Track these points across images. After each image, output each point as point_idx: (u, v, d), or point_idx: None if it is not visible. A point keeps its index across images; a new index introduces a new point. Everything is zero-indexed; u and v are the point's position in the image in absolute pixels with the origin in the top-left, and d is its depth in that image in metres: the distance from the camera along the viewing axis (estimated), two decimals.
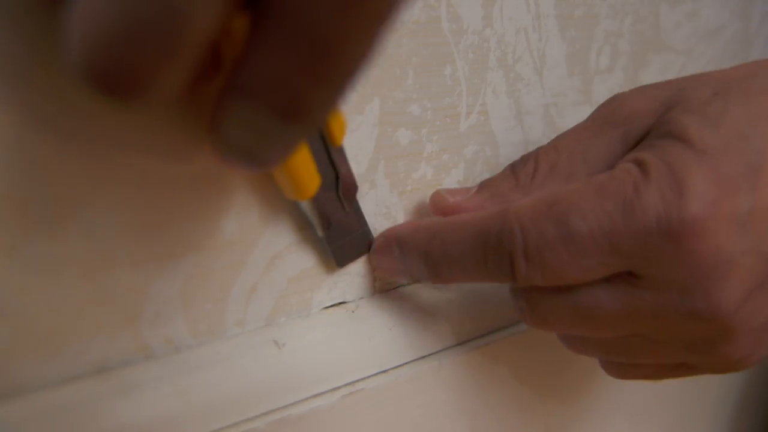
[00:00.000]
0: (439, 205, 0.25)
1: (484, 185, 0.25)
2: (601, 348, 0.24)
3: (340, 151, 0.22)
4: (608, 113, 0.24)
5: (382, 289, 0.26)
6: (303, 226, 0.23)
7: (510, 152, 0.29)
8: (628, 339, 0.23)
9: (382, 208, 0.25)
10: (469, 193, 0.25)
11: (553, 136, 0.31)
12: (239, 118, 0.14)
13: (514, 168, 0.25)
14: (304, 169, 0.20)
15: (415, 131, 0.25)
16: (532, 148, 0.30)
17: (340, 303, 0.25)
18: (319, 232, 0.23)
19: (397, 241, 0.24)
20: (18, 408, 0.18)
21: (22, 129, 0.17)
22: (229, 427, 0.22)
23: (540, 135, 0.30)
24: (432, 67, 0.25)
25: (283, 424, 0.23)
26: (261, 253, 0.22)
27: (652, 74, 0.34)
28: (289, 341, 0.23)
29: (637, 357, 0.24)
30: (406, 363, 0.26)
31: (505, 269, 0.21)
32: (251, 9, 0.14)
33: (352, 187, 0.23)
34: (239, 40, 0.14)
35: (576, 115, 0.31)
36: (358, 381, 0.25)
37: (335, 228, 0.23)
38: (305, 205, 0.22)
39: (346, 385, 0.25)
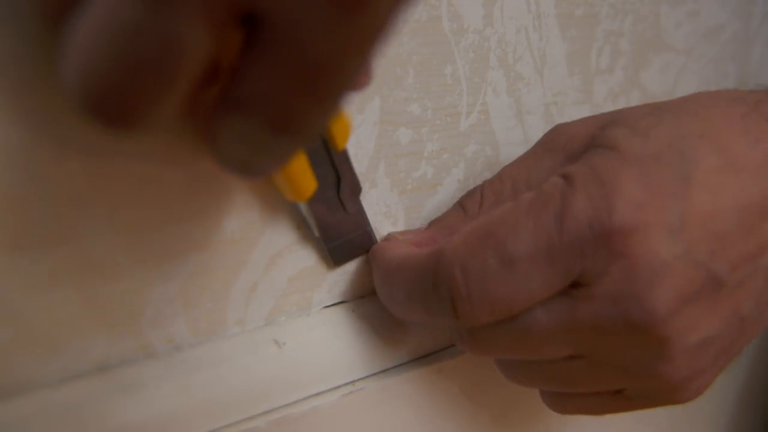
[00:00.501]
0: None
1: (432, 222, 0.25)
2: (540, 375, 0.24)
3: (344, 154, 0.23)
4: (549, 141, 0.24)
5: None
6: (302, 225, 0.23)
7: (510, 152, 0.29)
8: (567, 363, 0.22)
9: (383, 207, 0.25)
10: (419, 232, 0.25)
11: None
12: (233, 131, 0.15)
13: (461, 203, 0.25)
14: (300, 173, 0.21)
15: (416, 130, 0.25)
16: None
17: (341, 302, 0.25)
18: (316, 232, 0.23)
19: (372, 264, 0.25)
20: (20, 406, 0.18)
21: (24, 132, 0.17)
22: (230, 426, 0.22)
23: (540, 134, 0.30)
24: (432, 66, 0.25)
25: (283, 423, 0.23)
26: (261, 253, 0.22)
27: (653, 74, 0.34)
28: (289, 340, 0.23)
29: (576, 384, 0.23)
30: (406, 362, 0.26)
31: (447, 312, 0.21)
32: (246, 25, 0.14)
33: (355, 189, 0.23)
34: (236, 50, 0.14)
35: (577, 114, 0.31)
36: (358, 380, 0.25)
37: (333, 228, 0.23)
38: (303, 206, 0.23)
39: (346, 384, 0.25)
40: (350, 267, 0.25)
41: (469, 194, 0.25)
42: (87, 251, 0.19)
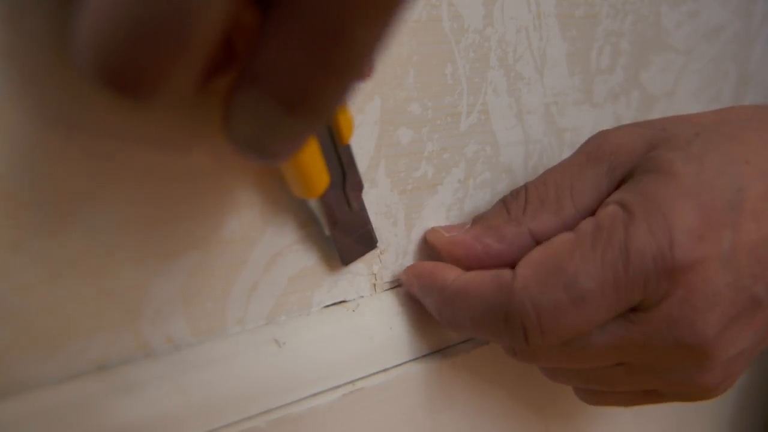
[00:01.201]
0: (436, 242, 0.26)
1: (477, 219, 0.26)
2: (581, 378, 0.25)
3: (347, 149, 0.22)
4: (593, 149, 0.24)
5: (382, 288, 0.26)
6: (304, 224, 0.23)
7: (511, 151, 0.29)
8: (609, 369, 0.24)
9: (383, 206, 0.25)
10: (463, 228, 0.26)
11: (553, 136, 0.31)
12: (245, 108, 0.15)
13: (505, 202, 0.25)
14: (313, 167, 0.21)
15: (416, 130, 0.25)
16: (532, 147, 0.30)
17: (341, 302, 0.25)
18: (326, 231, 0.23)
19: (416, 284, 0.25)
20: (19, 406, 0.18)
21: (28, 124, 0.17)
22: (230, 426, 0.22)
23: (540, 134, 0.30)
24: (433, 66, 0.25)
25: (283, 423, 0.23)
26: (262, 252, 0.22)
27: (653, 74, 0.34)
28: (289, 340, 0.23)
29: (614, 385, 0.24)
30: (406, 362, 0.26)
31: (519, 340, 0.22)
32: (262, 1, 0.14)
33: (358, 186, 0.23)
34: (251, 32, 0.14)
35: (577, 114, 0.31)
36: (358, 380, 0.25)
37: (341, 226, 0.23)
38: (313, 204, 0.22)
39: (346, 383, 0.25)
40: (351, 267, 0.25)
41: (513, 195, 0.25)
42: (87, 250, 0.19)
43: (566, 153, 0.32)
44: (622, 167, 0.23)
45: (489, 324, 0.22)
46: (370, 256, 0.26)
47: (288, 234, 0.23)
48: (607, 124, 0.33)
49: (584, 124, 0.32)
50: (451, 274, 0.24)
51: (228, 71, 0.16)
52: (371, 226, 0.25)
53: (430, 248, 0.27)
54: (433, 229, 0.26)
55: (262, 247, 0.22)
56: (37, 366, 0.19)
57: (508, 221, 0.24)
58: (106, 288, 0.19)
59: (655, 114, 0.36)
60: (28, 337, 0.18)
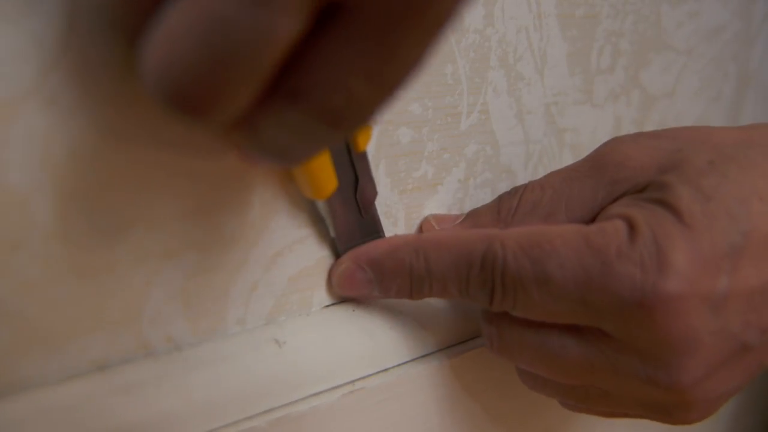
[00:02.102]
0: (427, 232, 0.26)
1: (468, 215, 0.26)
2: (559, 391, 0.24)
3: (363, 156, 0.23)
4: (599, 159, 0.24)
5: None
6: (304, 224, 0.23)
7: (511, 151, 0.29)
8: (586, 388, 0.23)
9: (383, 206, 0.25)
10: (455, 221, 0.26)
11: (553, 136, 0.31)
12: (281, 119, 0.15)
13: (500, 200, 0.25)
14: (322, 170, 0.21)
15: (416, 130, 0.25)
16: (532, 147, 0.30)
17: (341, 302, 0.25)
18: (332, 232, 0.23)
19: (370, 263, 0.23)
20: (19, 406, 0.18)
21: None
22: (230, 426, 0.22)
23: (541, 134, 0.30)
24: (433, 65, 0.25)
25: (283, 423, 0.23)
26: (262, 252, 0.22)
27: (653, 74, 0.34)
28: (289, 340, 0.23)
29: (592, 405, 0.24)
30: (406, 362, 0.26)
31: (486, 293, 0.22)
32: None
33: (371, 194, 0.23)
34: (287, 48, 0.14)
35: (577, 114, 0.31)
36: (358, 380, 0.25)
37: (349, 230, 0.23)
38: (321, 205, 0.23)
39: (346, 383, 0.25)
40: None
41: (510, 195, 0.25)
42: (86, 250, 0.19)
43: (566, 153, 0.32)
44: (625, 182, 0.22)
45: (461, 271, 0.22)
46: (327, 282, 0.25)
47: (288, 234, 0.23)
48: (608, 124, 0.33)
49: (584, 124, 0.32)
50: (411, 234, 0.24)
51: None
52: (383, 233, 0.25)
53: None
54: (426, 219, 0.26)
55: (262, 247, 0.22)
56: (38, 366, 0.19)
57: (495, 221, 0.24)
58: (107, 288, 0.19)
59: (655, 114, 0.36)
60: (29, 336, 0.18)
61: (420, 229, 0.27)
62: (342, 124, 0.15)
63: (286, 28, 0.13)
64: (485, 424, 0.30)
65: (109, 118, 0.18)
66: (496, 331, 0.23)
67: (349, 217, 0.23)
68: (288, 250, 0.23)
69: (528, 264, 0.20)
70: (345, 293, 0.25)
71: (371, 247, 0.24)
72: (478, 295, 0.22)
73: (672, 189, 0.21)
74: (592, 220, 0.23)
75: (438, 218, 0.26)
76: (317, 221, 0.23)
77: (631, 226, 0.20)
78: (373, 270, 0.23)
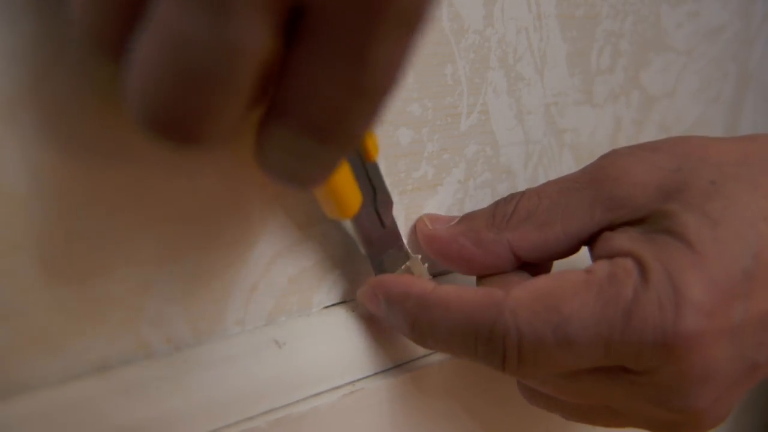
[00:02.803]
0: (418, 232, 0.26)
1: (463, 218, 0.25)
2: (564, 409, 0.24)
3: (375, 167, 0.23)
4: (599, 169, 0.23)
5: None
6: (304, 225, 0.23)
7: (511, 152, 0.29)
8: (594, 408, 0.23)
9: None
10: (449, 222, 0.25)
11: (553, 136, 0.31)
12: (277, 140, 0.15)
13: (496, 205, 0.25)
14: (346, 187, 0.20)
15: (416, 130, 0.25)
16: (532, 147, 0.30)
17: (341, 302, 0.25)
18: (362, 250, 0.23)
19: (384, 296, 0.23)
20: (19, 407, 0.18)
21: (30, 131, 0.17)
22: (230, 426, 0.22)
23: (541, 135, 0.30)
24: (433, 66, 0.25)
25: (283, 423, 0.23)
26: (261, 252, 0.22)
27: (653, 74, 0.34)
28: (289, 340, 0.23)
29: (597, 421, 0.24)
30: (406, 362, 0.26)
31: (496, 362, 0.21)
32: (286, 30, 0.14)
33: (389, 203, 0.23)
34: (276, 65, 0.14)
35: (577, 114, 0.31)
36: (358, 380, 0.25)
37: (376, 244, 0.23)
38: (348, 224, 0.22)
39: (346, 384, 0.25)
40: (350, 268, 0.25)
41: (506, 201, 0.25)
42: (87, 252, 0.19)
43: (566, 153, 0.32)
44: (622, 200, 0.22)
45: (468, 339, 0.21)
46: (358, 292, 0.25)
47: (288, 235, 0.23)
48: (608, 125, 0.33)
49: (584, 124, 0.32)
50: (429, 284, 0.23)
51: (258, 104, 0.16)
52: (403, 241, 0.25)
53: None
54: (421, 218, 0.26)
55: (262, 247, 0.22)
56: (38, 366, 0.19)
57: (490, 227, 0.24)
58: (107, 289, 0.19)
59: (655, 114, 0.36)
60: (29, 337, 0.18)
61: (414, 228, 0.26)
62: (333, 138, 0.14)
63: (253, 41, 0.12)
64: (486, 424, 0.30)
65: (109, 118, 0.18)
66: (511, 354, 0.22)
67: (373, 231, 0.23)
68: (288, 251, 0.23)
69: (548, 331, 0.20)
70: (366, 309, 0.25)
71: (388, 280, 0.23)
72: (489, 363, 0.21)
73: (677, 217, 0.21)
74: (589, 237, 0.23)
75: (432, 218, 0.26)
76: (344, 240, 0.23)
77: (642, 265, 0.20)
78: (386, 304, 0.23)
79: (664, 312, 0.19)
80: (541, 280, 0.21)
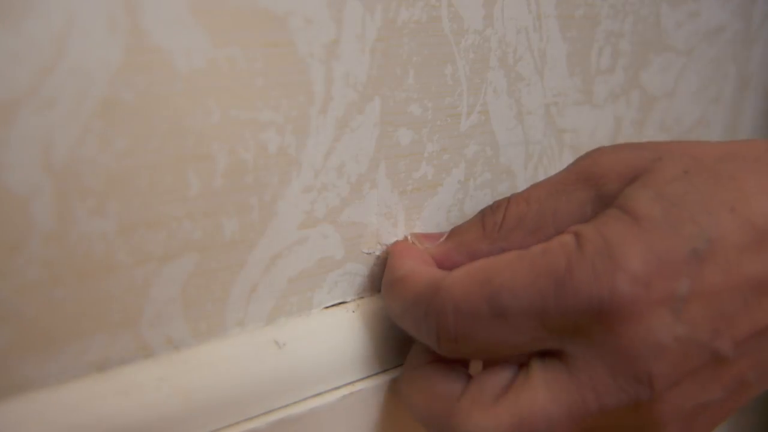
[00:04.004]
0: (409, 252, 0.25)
1: (452, 233, 0.25)
2: None
3: None
4: (584, 169, 0.23)
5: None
6: (303, 226, 0.23)
7: (511, 152, 0.29)
8: None
9: (383, 207, 0.25)
10: (438, 240, 0.25)
11: (553, 137, 0.31)
12: None
13: (483, 215, 0.25)
14: None
15: (416, 131, 0.25)
16: (532, 147, 0.30)
17: (341, 303, 0.25)
18: None
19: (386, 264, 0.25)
20: (19, 407, 0.18)
21: None
22: (230, 427, 0.22)
23: (541, 135, 0.30)
24: (433, 66, 0.25)
25: (283, 424, 0.23)
26: (261, 253, 0.22)
27: (653, 74, 0.34)
28: (289, 341, 0.23)
29: None
30: None
31: (432, 339, 0.21)
32: None
33: None
34: None
35: (577, 115, 0.31)
36: (358, 381, 0.25)
37: None
38: None
39: (346, 384, 0.25)
40: (350, 268, 0.25)
41: (493, 210, 0.24)
42: (86, 252, 0.19)
43: (566, 154, 0.32)
44: (609, 197, 0.22)
45: (411, 315, 0.22)
46: (369, 257, 0.26)
47: (287, 235, 0.23)
48: (608, 125, 0.33)
49: (584, 124, 0.32)
50: (407, 261, 0.23)
51: None
52: None
53: None
54: (409, 237, 0.26)
55: (261, 248, 0.22)
56: (37, 367, 0.19)
57: (481, 238, 0.24)
58: (107, 290, 0.19)
59: (655, 115, 0.36)
60: (28, 338, 0.18)
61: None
62: None
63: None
64: None
65: (108, 119, 0.18)
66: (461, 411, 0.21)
67: None
68: (287, 252, 0.23)
69: (483, 305, 0.20)
70: None
71: (394, 248, 0.25)
72: (428, 340, 0.22)
73: (632, 193, 0.20)
74: None
75: (420, 237, 0.26)
76: (344, 240, 0.24)
77: (579, 237, 0.20)
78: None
79: (599, 281, 0.19)
80: (481, 260, 0.21)
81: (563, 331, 0.20)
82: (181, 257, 0.21)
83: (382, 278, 0.25)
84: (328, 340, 0.24)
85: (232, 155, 0.21)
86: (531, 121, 0.29)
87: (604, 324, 0.19)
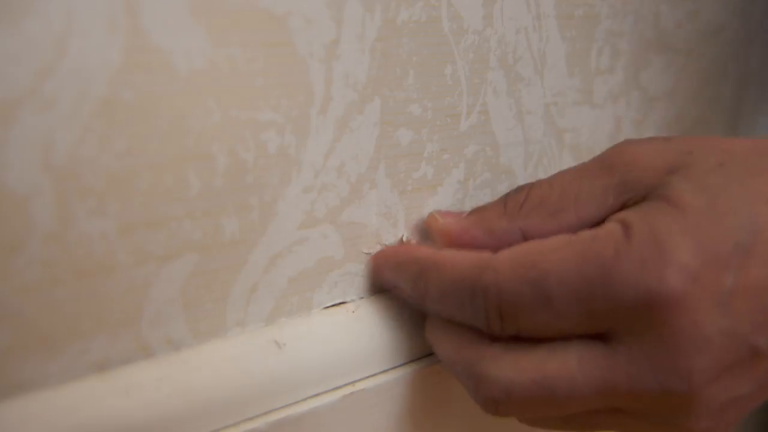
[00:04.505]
0: (429, 227, 0.26)
1: (473, 211, 0.25)
2: (564, 423, 0.24)
3: None
4: (610, 156, 0.23)
5: (383, 289, 0.26)
6: (303, 226, 0.23)
7: (511, 152, 0.29)
8: (593, 414, 0.22)
9: (383, 207, 0.25)
10: (459, 216, 0.25)
11: (553, 137, 0.31)
12: None
13: (506, 196, 0.25)
14: None
15: (416, 131, 0.25)
16: (532, 147, 0.30)
17: (341, 303, 0.25)
18: None
19: (394, 260, 0.25)
20: (19, 407, 0.18)
21: None
22: (230, 427, 0.22)
23: (540, 135, 0.30)
24: (432, 66, 0.25)
25: (283, 424, 0.23)
26: (261, 253, 0.22)
27: (653, 74, 0.34)
28: (289, 341, 0.23)
29: (597, 429, 0.23)
30: (406, 363, 0.26)
31: (481, 321, 0.21)
32: None
33: None
34: None
35: (576, 114, 0.31)
36: (358, 381, 0.25)
37: None
38: None
39: (346, 384, 0.25)
40: (350, 268, 0.25)
41: (516, 192, 0.25)
42: (86, 252, 0.19)
43: (566, 154, 0.32)
44: (634, 184, 0.22)
45: (455, 297, 0.22)
46: (369, 257, 0.26)
47: (287, 235, 0.23)
48: (607, 125, 0.33)
49: (584, 124, 0.32)
50: (430, 249, 0.24)
51: None
52: None
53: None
54: (431, 214, 0.26)
55: (261, 248, 0.22)
56: (37, 367, 0.19)
57: (501, 215, 0.24)
58: (107, 290, 0.19)
59: (655, 114, 0.36)
60: (28, 338, 0.18)
61: (425, 225, 0.26)
62: None
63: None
64: (486, 424, 0.29)
65: (107, 120, 0.18)
66: (502, 399, 0.22)
67: None
68: (287, 252, 0.23)
69: (527, 288, 0.20)
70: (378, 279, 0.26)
71: (399, 249, 0.25)
72: (476, 322, 0.22)
73: (675, 185, 0.20)
74: (602, 222, 0.23)
75: (442, 213, 0.26)
76: (344, 240, 0.24)
77: (626, 226, 0.20)
78: (393, 271, 0.25)
79: (647, 271, 0.19)
80: (529, 242, 0.21)
81: (606, 318, 0.20)
82: (181, 257, 0.21)
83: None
84: (328, 340, 0.24)
85: (232, 155, 0.21)
86: (531, 121, 0.29)
87: (649, 315, 0.19)
